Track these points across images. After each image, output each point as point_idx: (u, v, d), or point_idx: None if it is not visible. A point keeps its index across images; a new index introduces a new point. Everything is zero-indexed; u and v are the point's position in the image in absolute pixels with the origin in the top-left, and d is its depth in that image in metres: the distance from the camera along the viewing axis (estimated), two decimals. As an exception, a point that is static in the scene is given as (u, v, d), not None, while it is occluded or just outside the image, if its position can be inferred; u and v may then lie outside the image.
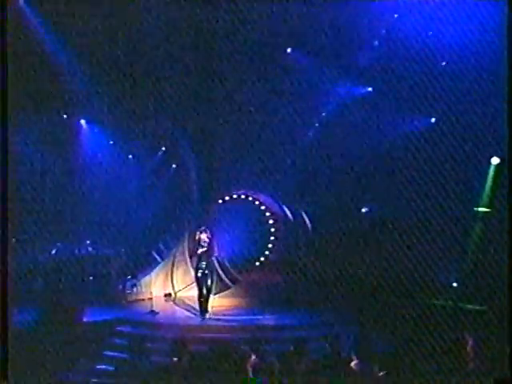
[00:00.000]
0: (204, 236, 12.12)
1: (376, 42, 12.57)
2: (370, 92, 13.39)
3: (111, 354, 10.57)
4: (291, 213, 15.51)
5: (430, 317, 10.77)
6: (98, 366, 10.35)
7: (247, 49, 12.57)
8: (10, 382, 6.78)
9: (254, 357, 7.85)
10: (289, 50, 13.32)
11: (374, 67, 12.83)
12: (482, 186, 12.52)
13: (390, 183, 13.32)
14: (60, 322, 10.61)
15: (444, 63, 12.40)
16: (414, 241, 12.92)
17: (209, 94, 13.35)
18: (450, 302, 12.12)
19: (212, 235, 12.26)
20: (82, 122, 14.46)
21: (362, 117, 13.22)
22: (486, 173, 12.74)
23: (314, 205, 14.41)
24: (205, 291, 12.05)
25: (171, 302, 13.95)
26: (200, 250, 12.10)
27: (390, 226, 13.01)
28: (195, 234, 12.41)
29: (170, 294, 14.36)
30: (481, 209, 12.83)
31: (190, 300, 13.55)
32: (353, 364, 7.69)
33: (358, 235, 13.62)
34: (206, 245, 12.08)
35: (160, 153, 15.13)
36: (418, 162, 13.05)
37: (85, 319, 11.27)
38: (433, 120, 13.42)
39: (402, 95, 12.51)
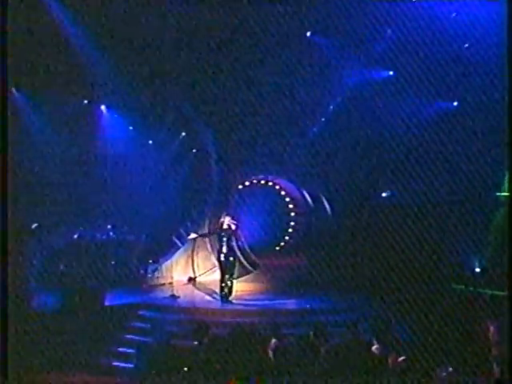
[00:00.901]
0: (227, 220, 12.07)
1: (396, 25, 12.34)
2: (391, 76, 13.18)
3: (132, 337, 10.60)
4: (311, 198, 15.43)
5: (451, 302, 10.67)
6: (120, 349, 10.44)
7: (267, 33, 12.42)
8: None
9: (274, 340, 7.84)
10: (308, 34, 13.15)
11: (394, 50, 12.62)
12: (505, 170, 12.29)
13: (411, 167, 13.15)
14: (81, 306, 10.70)
15: (467, 45, 12.17)
16: (436, 226, 12.80)
17: (228, 78, 13.25)
18: (471, 288, 11.99)
19: (235, 219, 12.21)
20: (103, 107, 14.43)
21: (383, 100, 13.04)
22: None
23: (334, 189, 14.28)
24: (227, 275, 12.01)
25: (192, 286, 13.97)
26: (223, 235, 12.06)
27: (411, 210, 12.87)
28: (219, 218, 12.38)
29: (193, 279, 14.38)
30: (503, 194, 12.62)
31: (210, 284, 13.56)
32: (374, 348, 7.64)
33: (379, 220, 13.49)
34: (229, 229, 12.02)
35: (180, 138, 15.08)
36: (440, 147, 12.88)
37: (106, 303, 11.35)
38: (455, 103, 13.21)
39: (423, 79, 12.30)
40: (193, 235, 13.03)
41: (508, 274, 7.77)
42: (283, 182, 15.87)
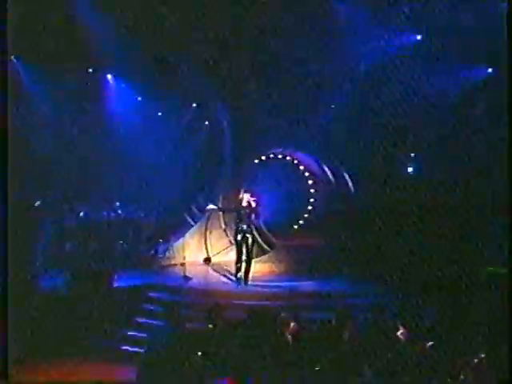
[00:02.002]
0: (246, 197, 12.03)
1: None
2: (419, 41, 12.99)
3: (143, 320, 10.71)
4: (332, 173, 15.36)
5: (485, 286, 10.60)
6: (130, 333, 10.55)
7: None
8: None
9: (293, 324, 7.87)
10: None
11: (423, 14, 12.42)
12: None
13: (439, 141, 13.02)
14: (89, 288, 10.80)
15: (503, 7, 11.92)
16: (465, 203, 12.68)
17: (245, 47, 13.15)
18: (504, 270, 11.89)
19: (254, 196, 12.17)
20: (109, 76, 14.42)
21: (411, 67, 12.87)
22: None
23: (356, 164, 14.20)
24: (244, 256, 12.04)
25: (205, 267, 14.05)
26: (241, 212, 12.03)
27: (440, 186, 12.77)
28: (236, 195, 12.37)
29: (207, 259, 14.45)
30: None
31: (225, 265, 13.62)
32: (399, 333, 7.65)
33: (405, 197, 13.41)
34: (248, 206, 11.99)
35: (191, 109, 15.04)
36: (471, 118, 12.72)
37: (115, 285, 11.43)
38: (490, 70, 13.00)
39: (454, 44, 12.12)
40: (211, 206, 12.92)
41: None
42: (302, 156, 15.80)
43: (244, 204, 12.01)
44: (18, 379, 7.26)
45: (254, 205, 11.95)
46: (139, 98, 14.75)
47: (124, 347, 10.30)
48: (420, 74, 12.84)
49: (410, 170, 14.34)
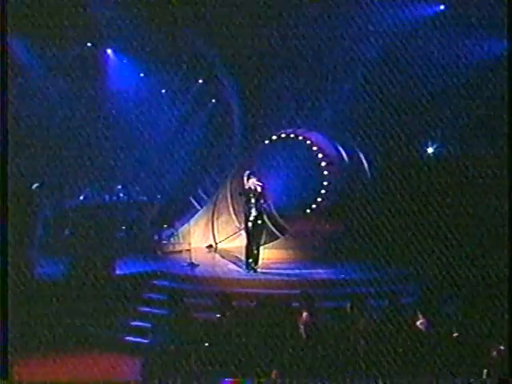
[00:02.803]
0: (253, 180, 12.02)
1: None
2: (441, 11, 12.85)
3: (147, 309, 10.75)
4: (347, 154, 15.28)
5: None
6: (133, 323, 10.59)
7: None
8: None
9: (305, 314, 7.87)
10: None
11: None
12: None
13: (461, 119, 12.91)
14: (89, 276, 10.82)
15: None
16: (488, 186, 12.59)
17: (254, 19, 13.03)
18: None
19: (262, 179, 12.15)
20: (109, 51, 14.36)
21: (431, 40, 12.73)
22: None
23: (372, 144, 14.11)
24: (254, 242, 12.04)
25: (212, 254, 14.07)
26: (250, 196, 12.02)
27: (460, 168, 12.69)
28: (243, 179, 12.33)
29: (211, 246, 14.47)
30: None
31: (233, 251, 13.63)
32: (418, 323, 7.64)
33: (424, 179, 13.34)
34: (256, 190, 11.97)
35: (197, 86, 14.97)
36: (497, 94, 12.57)
37: (117, 272, 11.46)
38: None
39: (477, 15, 11.97)
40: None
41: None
42: (315, 136, 15.72)
43: (252, 188, 12.00)
44: (18, 379, 7.32)
45: (259, 189, 11.94)
46: (142, 75, 14.69)
47: (127, 338, 10.34)
48: (441, 48, 12.70)
49: (430, 150, 14.22)
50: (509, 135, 8.87)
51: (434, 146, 14.28)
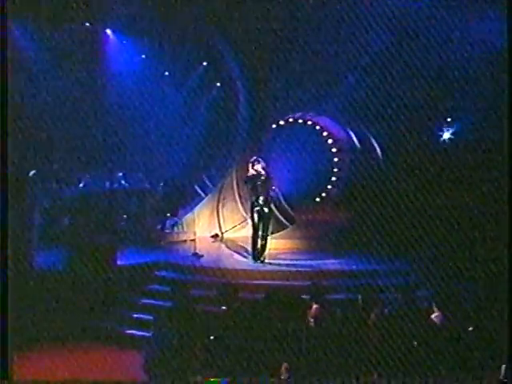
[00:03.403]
0: (259, 167, 11.99)
1: None
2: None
3: (149, 302, 10.78)
4: (358, 139, 15.24)
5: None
6: (135, 315, 10.63)
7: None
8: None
9: (315, 306, 7.87)
10: None
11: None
12: None
13: (479, 104, 12.84)
14: (90, 266, 10.85)
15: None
16: (508, 174, 12.51)
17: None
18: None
19: (269, 166, 12.12)
20: (108, 31, 14.33)
21: (446, 21, 12.66)
22: None
23: (385, 129, 14.06)
24: (261, 231, 12.05)
25: (218, 244, 14.09)
26: (255, 184, 11.99)
27: (477, 155, 12.63)
28: (247, 165, 12.31)
29: (217, 235, 14.49)
30: None
31: (239, 241, 13.66)
32: (433, 316, 7.63)
33: (439, 166, 13.29)
34: (261, 177, 11.95)
35: (202, 68, 14.94)
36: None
37: (118, 262, 11.49)
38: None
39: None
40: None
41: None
42: (325, 121, 15.68)
43: (259, 175, 11.98)
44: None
45: (266, 176, 11.91)
46: (143, 56, 14.65)
47: (129, 331, 10.38)
48: (456, 30, 12.63)
49: (446, 135, 14.16)
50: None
51: (451, 131, 14.21)
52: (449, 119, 14.27)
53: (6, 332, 7.14)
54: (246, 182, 12.63)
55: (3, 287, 7.26)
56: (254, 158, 12.30)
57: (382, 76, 13.61)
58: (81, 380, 8.12)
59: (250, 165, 12.14)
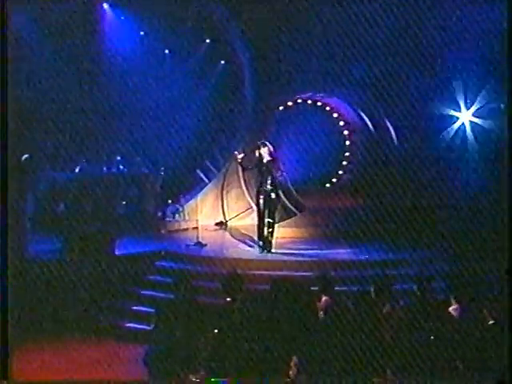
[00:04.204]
0: (265, 151, 11.96)
1: None
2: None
3: (150, 293, 10.81)
4: (371, 121, 15.19)
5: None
6: (134, 308, 10.66)
7: None
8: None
9: (325, 298, 7.87)
10: None
11: None
12: None
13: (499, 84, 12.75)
14: (86, 255, 10.87)
15: None
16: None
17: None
18: None
19: (275, 150, 12.08)
20: (106, 6, 14.28)
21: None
22: None
23: (400, 110, 14.00)
24: (267, 219, 12.04)
25: (222, 232, 14.12)
26: (261, 169, 11.97)
27: (497, 137, 12.57)
28: (253, 149, 12.28)
29: (221, 223, 14.50)
30: None
31: (245, 230, 13.67)
32: (451, 309, 7.62)
33: (457, 150, 13.26)
34: (268, 162, 11.92)
35: (205, 45, 14.90)
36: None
37: (117, 252, 11.52)
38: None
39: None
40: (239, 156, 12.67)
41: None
42: (336, 102, 15.65)
43: (265, 159, 11.95)
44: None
45: (273, 161, 11.86)
46: (142, 33, 14.61)
47: (128, 324, 10.41)
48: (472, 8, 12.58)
49: (464, 118, 14.09)
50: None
51: (470, 115, 14.14)
52: (468, 101, 14.21)
53: (6, 332, 7.21)
54: (251, 169, 12.58)
55: (3, 287, 7.33)
56: (262, 141, 12.26)
57: (398, 53, 13.55)
58: (81, 380, 8.19)
59: (257, 148, 12.10)
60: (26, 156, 11.69)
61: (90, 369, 8.58)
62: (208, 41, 14.94)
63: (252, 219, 13.53)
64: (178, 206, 14.48)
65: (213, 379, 6.89)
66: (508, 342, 7.11)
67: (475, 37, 12.80)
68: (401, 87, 13.53)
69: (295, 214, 14.32)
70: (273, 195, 11.97)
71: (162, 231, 13.82)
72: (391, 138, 14.68)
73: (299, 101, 15.42)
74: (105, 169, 14.59)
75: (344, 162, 15.90)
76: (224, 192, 14.82)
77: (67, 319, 10.07)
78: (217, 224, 14.50)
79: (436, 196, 13.14)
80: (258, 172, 12.14)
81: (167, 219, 14.38)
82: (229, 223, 14.59)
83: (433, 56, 13.40)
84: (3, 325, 7.21)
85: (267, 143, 12.13)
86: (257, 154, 12.04)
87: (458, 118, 14.02)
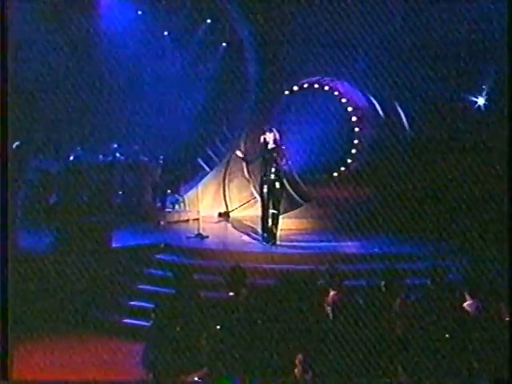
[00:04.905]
0: (271, 137, 11.92)
1: None
2: None
3: (148, 288, 10.82)
4: (381, 107, 15.15)
5: None
6: (132, 303, 10.67)
7: None
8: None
9: (333, 293, 7.87)
10: None
11: None
12: None
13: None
14: (81, 248, 10.87)
15: None
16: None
17: None
18: None
19: (281, 137, 12.05)
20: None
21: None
22: None
23: (413, 95, 13.98)
24: (272, 210, 12.03)
25: (224, 224, 14.14)
26: (266, 157, 11.94)
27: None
28: (258, 136, 12.26)
29: (226, 214, 14.50)
30: None
31: (249, 221, 13.68)
32: (466, 305, 7.61)
33: (473, 137, 13.23)
34: (273, 149, 11.89)
35: (204, 27, 14.86)
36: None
37: (113, 244, 11.51)
38: None
39: None
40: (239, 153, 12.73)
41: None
42: (344, 86, 15.61)
43: (270, 146, 11.92)
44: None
45: (278, 148, 11.84)
46: (140, 13, 14.58)
47: (126, 321, 10.42)
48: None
49: (480, 102, 14.06)
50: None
51: (486, 98, 14.11)
52: (483, 86, 14.17)
53: (6, 332, 7.24)
54: (252, 161, 12.57)
55: (3, 285, 7.36)
56: (267, 128, 12.20)
57: (409, 34, 13.52)
58: (81, 380, 8.22)
59: (263, 135, 12.06)
60: (16, 143, 11.68)
61: (89, 368, 8.63)
62: (209, 21, 14.89)
63: (256, 210, 13.54)
64: (177, 195, 14.51)
65: (225, 379, 6.90)
66: (508, 341, 7.12)
67: (489, 16, 12.78)
68: (412, 69, 13.51)
69: (301, 205, 14.34)
70: (277, 185, 11.96)
71: (161, 222, 13.83)
72: (402, 123, 14.64)
73: (306, 85, 15.38)
74: (101, 157, 14.56)
75: (353, 150, 15.87)
76: (226, 181, 14.83)
77: (61, 316, 10.08)
78: (220, 215, 14.51)
79: (450, 185, 13.10)
80: (262, 160, 12.12)
81: (166, 210, 14.40)
82: (232, 214, 14.62)
83: (446, 36, 13.37)
84: (3, 325, 7.26)
85: (274, 129, 12.10)
86: (262, 140, 12.00)
87: (475, 103, 14.01)
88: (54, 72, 13.58)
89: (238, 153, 12.61)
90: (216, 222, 14.24)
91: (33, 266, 10.40)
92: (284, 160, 12.05)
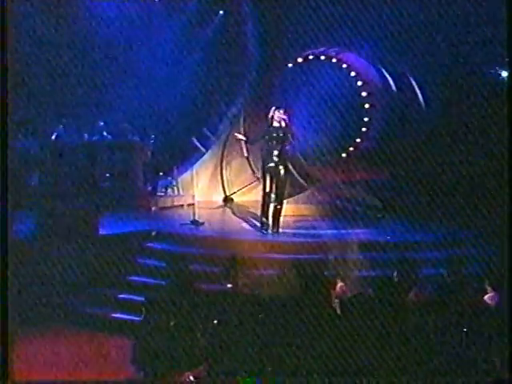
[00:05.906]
0: (279, 116, 11.89)
1: None
2: None
3: (139, 279, 10.85)
4: (394, 81, 15.14)
5: None
6: (121, 296, 10.71)
7: None
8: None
9: (340, 284, 7.90)
10: None
11: None
12: None
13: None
14: (65, 235, 10.88)
15: None
16: None
17: None
18: None
19: (288, 115, 12.01)
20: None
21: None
22: None
23: (428, 68, 13.96)
24: (274, 194, 12.04)
25: (221, 210, 14.16)
26: (271, 136, 11.92)
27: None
28: (259, 113, 12.25)
29: (230, 199, 14.53)
30: None
31: (249, 206, 13.71)
32: (486, 297, 7.65)
33: (495, 113, 13.20)
34: (279, 128, 11.87)
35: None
36: None
37: (101, 232, 11.52)
38: None
39: None
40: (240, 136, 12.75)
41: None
42: (353, 58, 15.57)
43: (275, 125, 11.90)
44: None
45: (284, 125, 11.82)
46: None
47: (115, 315, 10.46)
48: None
49: (504, 74, 14.03)
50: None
51: (508, 72, 14.07)
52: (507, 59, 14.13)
53: (7, 332, 7.32)
54: (254, 142, 12.56)
55: (3, 284, 7.44)
56: (274, 107, 12.14)
57: (426, 7, 13.48)
58: (81, 380, 8.29)
59: (270, 113, 12.02)
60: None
61: (90, 369, 8.68)
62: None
63: (256, 194, 13.56)
64: (170, 178, 14.49)
65: (248, 379, 6.93)
66: (508, 341, 7.17)
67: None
68: (428, 39, 13.48)
69: (306, 189, 14.35)
70: (280, 167, 11.96)
71: (153, 208, 13.86)
72: (418, 100, 14.62)
73: (311, 57, 15.33)
74: (86, 136, 14.55)
75: (363, 128, 15.82)
76: (224, 163, 14.84)
77: (45, 309, 10.11)
78: (226, 200, 14.53)
79: (471, 167, 13.10)
80: (264, 140, 12.09)
81: (158, 194, 14.40)
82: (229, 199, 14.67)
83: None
84: (3, 325, 7.33)
85: (278, 108, 12.06)
86: (269, 118, 11.95)
87: (498, 75, 13.97)
88: (37, 48, 13.54)
89: (238, 134, 12.59)
90: (214, 208, 14.24)
91: (10, 254, 10.42)
92: (289, 140, 12.03)
